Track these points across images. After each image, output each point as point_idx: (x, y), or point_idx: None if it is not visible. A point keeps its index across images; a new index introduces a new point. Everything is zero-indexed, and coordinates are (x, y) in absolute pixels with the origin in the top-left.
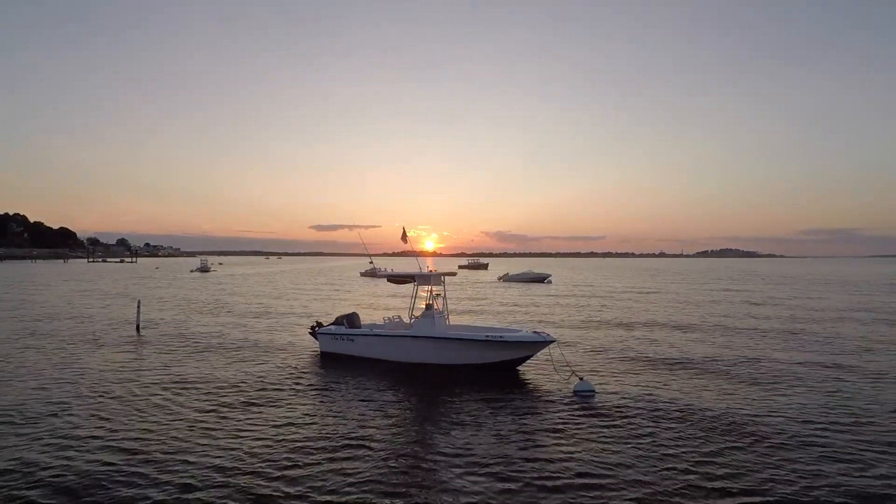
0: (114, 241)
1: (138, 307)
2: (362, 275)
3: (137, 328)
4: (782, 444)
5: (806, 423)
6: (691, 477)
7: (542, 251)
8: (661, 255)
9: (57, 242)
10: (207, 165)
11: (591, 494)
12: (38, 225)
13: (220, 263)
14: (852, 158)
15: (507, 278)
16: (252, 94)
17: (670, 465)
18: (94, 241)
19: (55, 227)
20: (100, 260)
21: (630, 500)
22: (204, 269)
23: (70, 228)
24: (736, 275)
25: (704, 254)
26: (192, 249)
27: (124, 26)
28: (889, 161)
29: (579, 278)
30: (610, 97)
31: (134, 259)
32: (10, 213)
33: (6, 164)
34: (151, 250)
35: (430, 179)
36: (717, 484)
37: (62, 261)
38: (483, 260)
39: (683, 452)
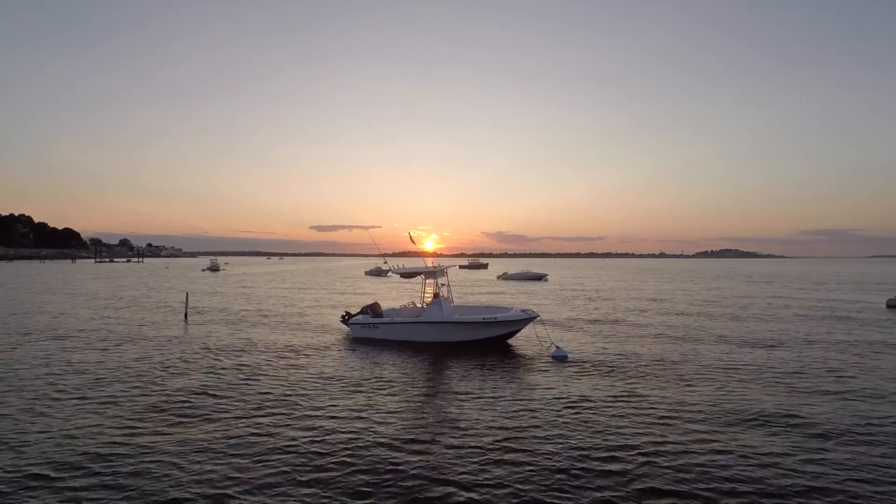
0: (115, 242)
1: (186, 298)
2: (367, 273)
3: (185, 316)
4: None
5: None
6: (624, 422)
7: (542, 251)
8: (662, 255)
9: (61, 243)
10: (208, 166)
11: (558, 431)
12: (43, 226)
13: (227, 263)
14: (852, 158)
15: (505, 277)
16: (252, 96)
17: (616, 411)
18: (96, 242)
19: (57, 227)
20: (107, 260)
21: (585, 432)
22: (214, 268)
23: (73, 229)
24: (725, 274)
25: (704, 254)
26: (193, 250)
27: (126, 29)
28: (889, 161)
29: (575, 277)
30: (610, 98)
31: (141, 259)
32: (16, 213)
33: (9, 166)
34: (153, 251)
35: (430, 180)
36: (637, 423)
37: (70, 261)
38: (483, 260)
39: (626, 403)
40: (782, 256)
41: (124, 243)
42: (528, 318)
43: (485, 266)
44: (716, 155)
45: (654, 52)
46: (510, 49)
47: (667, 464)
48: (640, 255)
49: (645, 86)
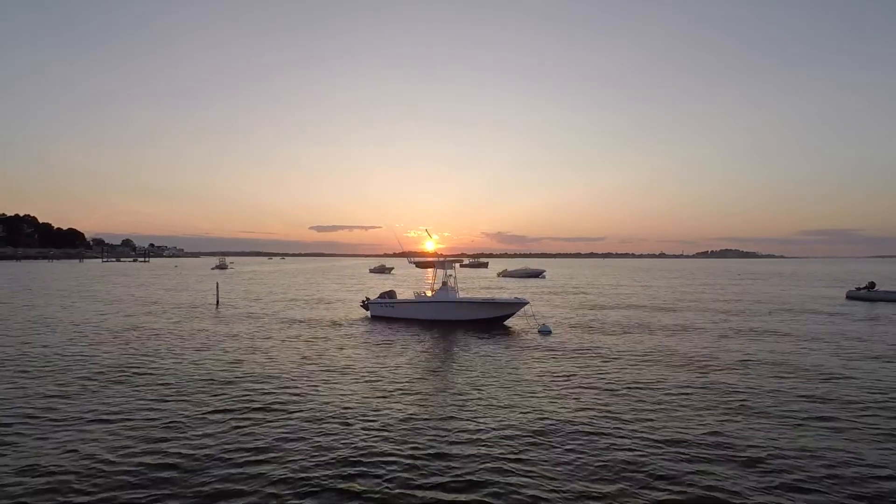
0: (116, 242)
1: (217, 288)
2: (371, 271)
3: (217, 304)
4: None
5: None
6: (586, 372)
7: (542, 252)
8: (662, 255)
9: (65, 243)
10: (208, 166)
11: (540, 385)
12: (48, 226)
13: (232, 262)
14: (852, 158)
15: (505, 274)
16: (252, 96)
17: (583, 367)
18: (99, 242)
19: (61, 228)
20: (113, 260)
21: (556, 380)
22: (223, 266)
23: (77, 229)
24: (716, 272)
25: (705, 254)
26: (194, 250)
27: (126, 29)
28: (889, 161)
29: (571, 275)
30: (610, 98)
31: (146, 259)
32: (20, 214)
33: (9, 166)
34: (156, 251)
35: (430, 180)
36: (600, 388)
37: (78, 260)
38: (483, 259)
39: (590, 361)
40: (782, 256)
41: (126, 243)
42: (520, 303)
43: (485, 265)
44: (716, 155)
45: (654, 52)
46: (510, 49)
47: (596, 398)
48: (640, 256)
49: (645, 86)
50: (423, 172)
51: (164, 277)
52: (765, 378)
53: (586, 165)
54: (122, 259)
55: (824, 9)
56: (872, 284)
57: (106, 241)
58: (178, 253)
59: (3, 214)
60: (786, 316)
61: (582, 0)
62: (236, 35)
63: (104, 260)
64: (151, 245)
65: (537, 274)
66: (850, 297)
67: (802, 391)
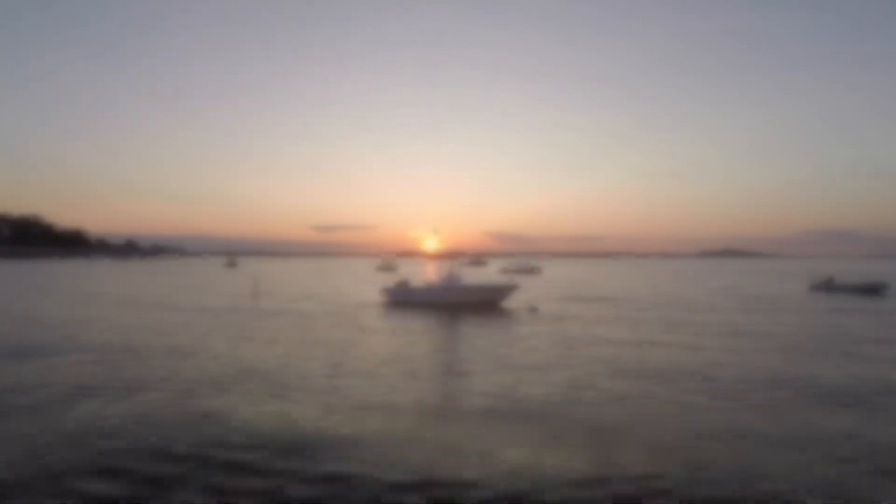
0: (118, 242)
1: (255, 282)
2: (378, 269)
3: (254, 294)
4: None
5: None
6: (564, 340)
7: (542, 251)
8: (662, 255)
9: (70, 243)
10: (208, 167)
11: (527, 348)
12: (53, 226)
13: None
14: (852, 158)
15: (505, 270)
16: (254, 97)
17: (560, 336)
18: (102, 242)
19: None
20: (121, 260)
21: (541, 346)
22: (232, 265)
23: (80, 230)
24: (707, 270)
25: (705, 254)
26: (195, 250)
27: (126, 30)
28: (889, 161)
29: (567, 271)
30: (610, 98)
31: (153, 259)
32: (26, 215)
33: (10, 166)
34: (159, 251)
35: (430, 180)
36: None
37: (86, 259)
38: (483, 259)
39: (566, 332)
40: (783, 256)
41: (130, 244)
42: (511, 287)
43: (485, 263)
44: (716, 155)
45: (654, 52)
46: (510, 49)
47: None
48: (640, 255)
49: (645, 86)
50: (423, 172)
51: (184, 277)
52: (684, 353)
53: (586, 165)
54: (128, 259)
55: (824, 9)
56: (831, 279)
57: (108, 242)
58: (181, 253)
59: (10, 215)
60: (745, 304)
61: (582, 0)
62: (237, 36)
63: (113, 259)
64: (154, 245)
65: (535, 270)
66: (813, 289)
67: (711, 361)
